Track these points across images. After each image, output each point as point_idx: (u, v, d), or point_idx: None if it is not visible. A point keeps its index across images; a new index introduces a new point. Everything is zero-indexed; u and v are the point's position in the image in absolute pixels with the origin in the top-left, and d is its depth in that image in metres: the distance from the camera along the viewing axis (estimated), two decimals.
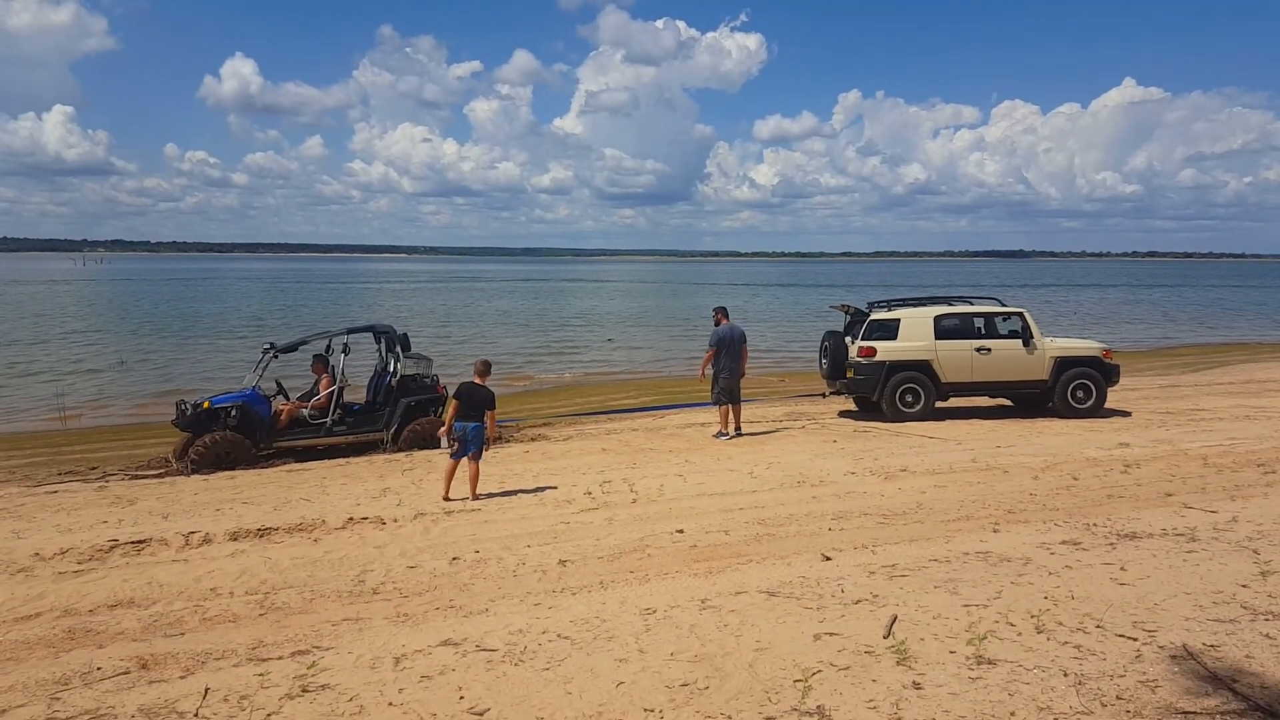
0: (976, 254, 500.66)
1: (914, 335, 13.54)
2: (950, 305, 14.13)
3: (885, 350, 13.49)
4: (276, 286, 77.54)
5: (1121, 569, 6.01)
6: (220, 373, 21.83)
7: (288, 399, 12.40)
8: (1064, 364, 13.56)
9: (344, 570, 6.66)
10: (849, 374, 13.81)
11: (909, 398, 13.50)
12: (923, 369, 13.51)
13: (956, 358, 13.51)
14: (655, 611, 5.46)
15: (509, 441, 12.27)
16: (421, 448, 11.81)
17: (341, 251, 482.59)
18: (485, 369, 9.21)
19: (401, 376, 12.32)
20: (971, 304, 14.30)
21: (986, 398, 14.44)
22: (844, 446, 11.44)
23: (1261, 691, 4.10)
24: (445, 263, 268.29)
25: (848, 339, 14.12)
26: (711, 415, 14.17)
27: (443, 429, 9.16)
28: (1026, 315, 13.76)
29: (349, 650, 5.01)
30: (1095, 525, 7.24)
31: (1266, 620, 5.01)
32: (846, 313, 14.89)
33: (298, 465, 11.23)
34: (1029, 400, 14.06)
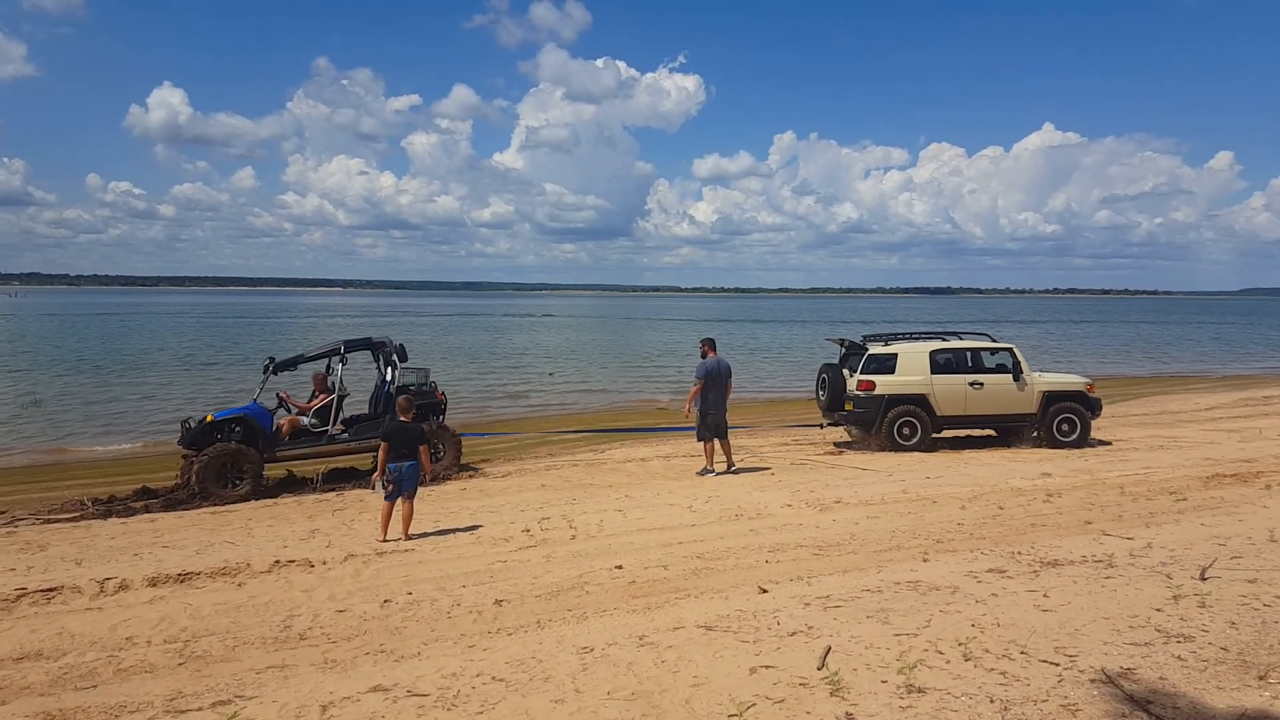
0: (907, 290, 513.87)
1: (911, 369, 13.90)
2: (944, 341, 14.56)
3: (884, 384, 13.82)
4: (206, 321, 75.49)
5: (1044, 596, 6.19)
6: (149, 409, 21.13)
7: (289, 412, 12.67)
8: (1051, 398, 14.06)
9: (269, 615, 6.47)
10: (848, 406, 14.11)
11: (906, 430, 13.80)
12: (919, 402, 13.83)
13: (951, 392, 13.89)
14: (593, 650, 5.43)
15: (445, 480, 12.11)
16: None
17: (274, 285, 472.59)
18: (410, 405, 9.10)
19: (399, 385, 12.63)
20: (962, 339, 14.72)
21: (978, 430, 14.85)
22: (781, 479, 11.57)
23: (1174, 712, 4.25)
24: (382, 296, 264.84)
25: (845, 372, 14.44)
26: (650, 450, 14.23)
27: (376, 474, 9.02)
28: (1016, 351, 14.27)
29: (273, 699, 4.86)
30: (1020, 553, 7.45)
31: (1179, 643, 5.21)
32: (842, 345, 15.25)
33: (222, 508, 10.89)
34: (1014, 432, 14.51)
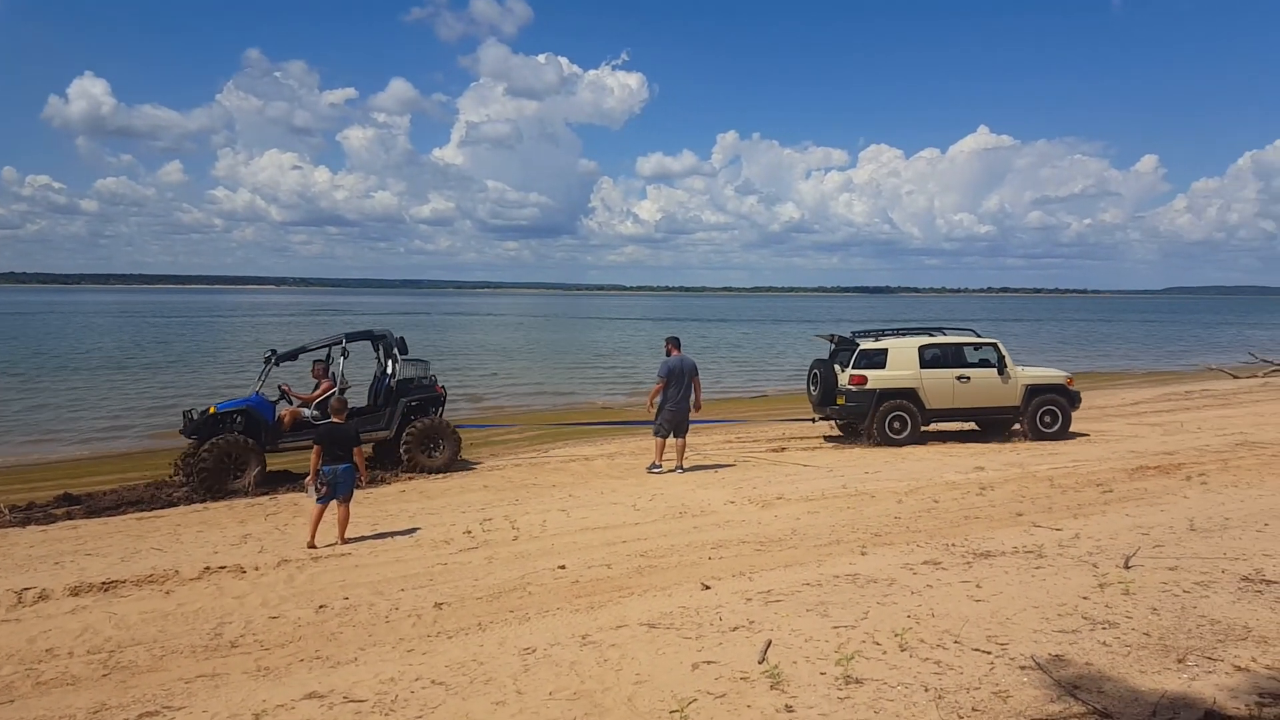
0: (847, 290, 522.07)
1: (901, 364, 14.19)
2: (932, 336, 14.84)
3: (875, 378, 14.08)
4: (131, 320, 73.02)
5: (977, 586, 6.35)
6: (72, 413, 20.38)
7: (290, 403, 12.64)
8: (1034, 391, 14.45)
9: (199, 623, 6.29)
10: (840, 401, 14.36)
11: (896, 424, 14.04)
12: (909, 396, 14.11)
13: (940, 385, 14.20)
14: (535, 651, 5.40)
15: (384, 482, 11.91)
16: (424, 450, 12.40)
17: (203, 283, 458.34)
18: (342, 406, 8.91)
19: (400, 379, 12.78)
20: (945, 334, 15.00)
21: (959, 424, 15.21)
22: (724, 477, 11.65)
23: (1099, 696, 4.39)
24: (318, 294, 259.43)
25: (836, 367, 14.69)
26: (595, 449, 14.21)
27: (309, 477, 8.83)
28: (1000, 346, 14.63)
29: (203, 709, 4.73)
30: (954, 545, 7.63)
31: (1104, 629, 5.39)
32: (831, 342, 15.52)
33: (149, 513, 10.56)
34: (997, 425, 14.83)
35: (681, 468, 12.10)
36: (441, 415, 13.09)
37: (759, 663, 5.00)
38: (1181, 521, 8.23)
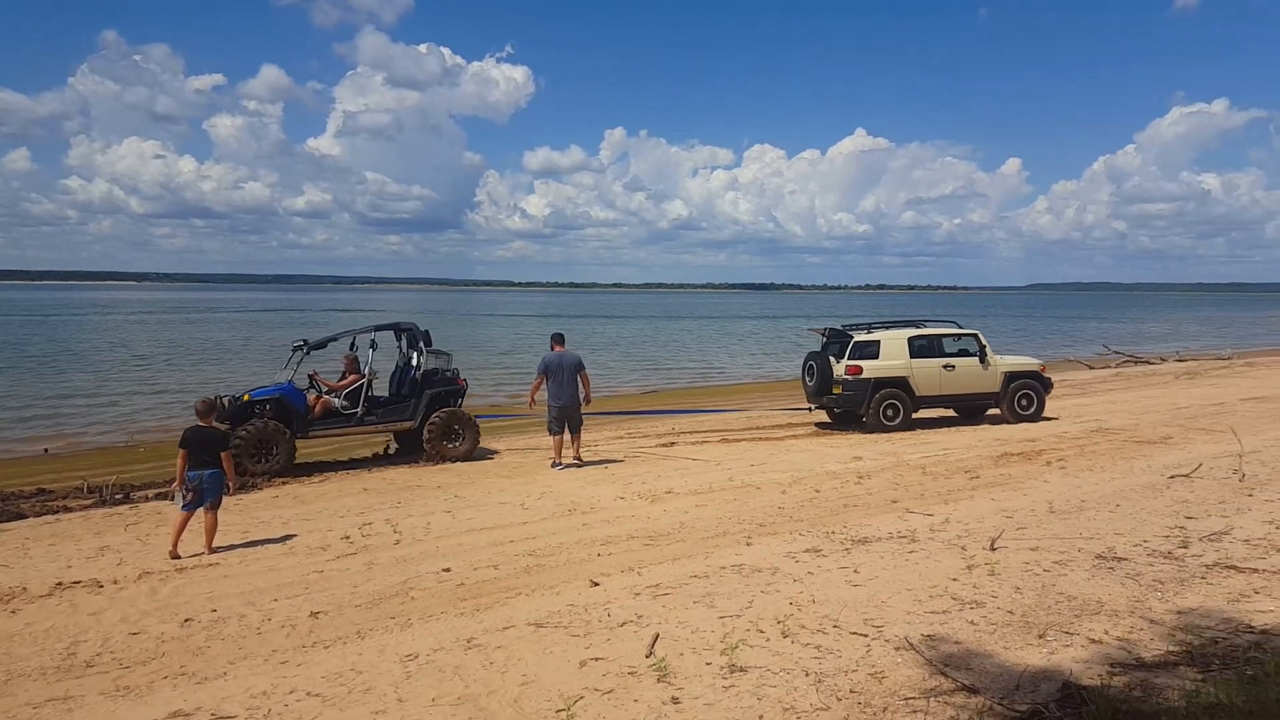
0: (734, 286, 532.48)
1: (893, 354, 14.96)
2: (919, 328, 15.64)
3: (870, 368, 14.81)
4: None
5: (855, 572, 6.56)
6: None
7: (320, 393, 12.92)
8: (1011, 377, 15.45)
9: (50, 643, 5.85)
10: (836, 390, 15.02)
11: (890, 411, 14.79)
12: (901, 384, 14.91)
13: (928, 374, 15.05)
14: (417, 657, 5.26)
15: (255, 487, 11.39)
16: (446, 439, 12.74)
17: (56, 279, 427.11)
18: (208, 409, 8.44)
19: (425, 370, 13.11)
20: (922, 327, 15.75)
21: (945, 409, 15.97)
22: (615, 473, 11.66)
23: (967, 673, 4.60)
24: (183, 290, 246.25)
25: (831, 359, 15.26)
26: (480, 447, 13.96)
27: (175, 483, 8.36)
28: (980, 336, 15.57)
29: None
30: (834, 533, 7.86)
31: (972, 609, 5.66)
32: (823, 335, 16.18)
33: None
34: (976, 410, 15.79)
35: (579, 460, 12.16)
36: (460, 406, 13.43)
37: (646, 657, 5.02)
38: (1042, 504, 8.72)
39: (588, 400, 12.34)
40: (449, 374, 13.40)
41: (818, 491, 9.87)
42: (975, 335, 15.65)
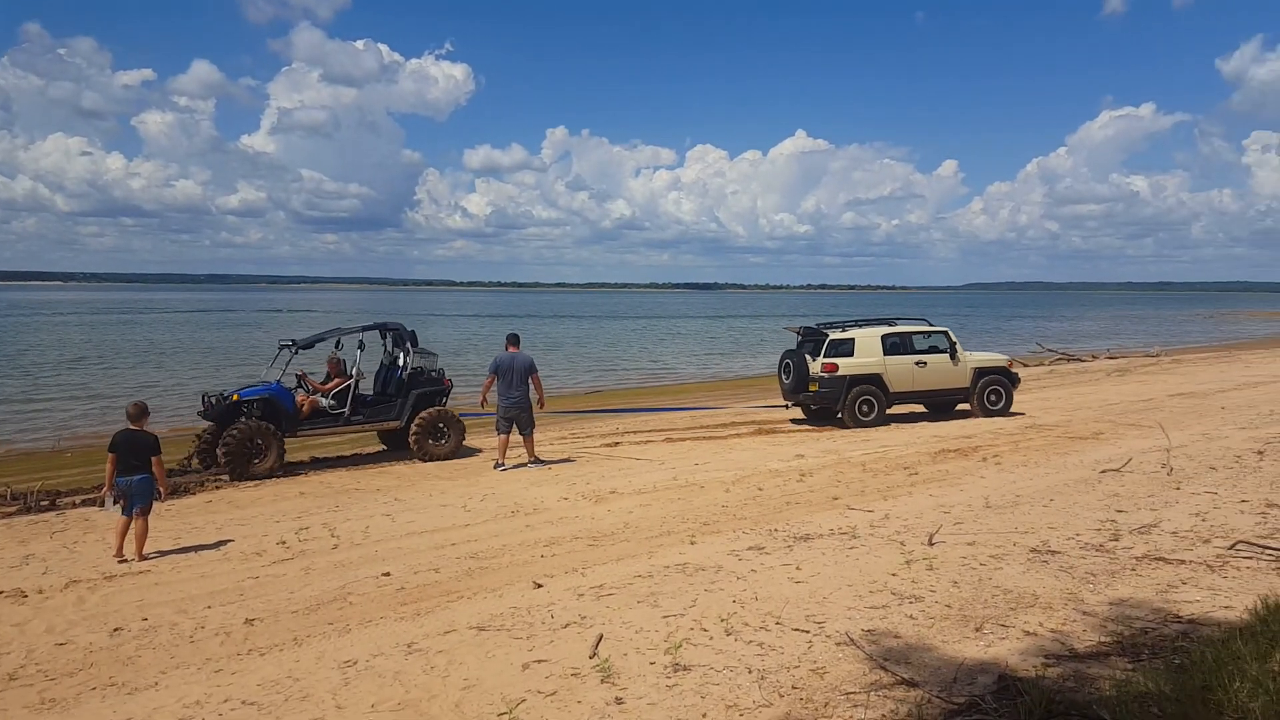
0: (678, 286, 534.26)
1: (867, 352, 15.32)
2: (892, 326, 15.95)
3: (845, 365, 15.14)
4: None
5: (797, 568, 6.63)
6: None
7: (308, 392, 12.98)
8: (981, 373, 15.87)
9: None
10: (812, 388, 15.29)
11: (864, 407, 15.14)
12: (875, 381, 15.25)
13: (901, 370, 15.44)
14: (356, 663, 5.17)
15: (188, 492, 11.07)
16: (432, 437, 12.86)
17: None
18: (140, 412, 8.17)
19: (411, 370, 13.24)
20: (894, 325, 16.08)
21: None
22: (559, 473, 11.61)
23: (906, 667, 4.68)
24: (112, 291, 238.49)
25: (807, 356, 15.51)
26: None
27: (105, 489, 8.09)
28: (950, 334, 15.94)
29: None
30: (776, 530, 7.94)
31: (911, 603, 5.76)
32: (798, 334, 16.55)
33: None
34: (946, 406, 16.14)
35: (536, 460, 12.16)
36: (445, 405, 13.52)
37: (590, 658, 5.00)
38: (979, 500, 8.92)
39: (541, 403, 12.41)
40: (435, 374, 13.54)
41: (760, 490, 9.95)
42: (945, 333, 16.08)
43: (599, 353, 42.22)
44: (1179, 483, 9.39)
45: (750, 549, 7.29)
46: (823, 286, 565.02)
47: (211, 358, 35.82)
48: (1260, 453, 10.97)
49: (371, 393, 13.76)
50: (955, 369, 15.76)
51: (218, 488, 11.33)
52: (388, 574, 7.14)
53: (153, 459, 7.98)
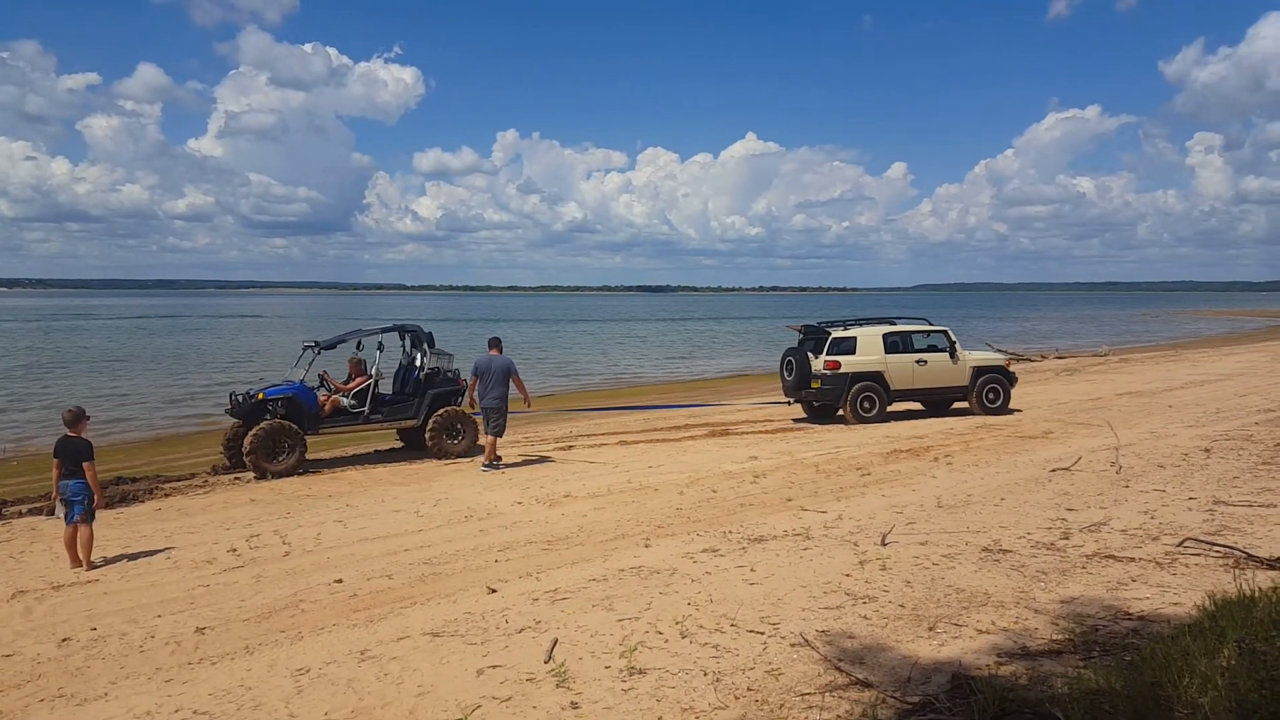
0: (630, 288, 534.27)
1: (869, 350, 15.70)
2: (893, 325, 16.31)
3: (847, 363, 15.55)
4: None
5: (752, 570, 6.69)
6: None
7: (330, 392, 13.42)
8: (979, 372, 16.23)
9: None
10: (815, 385, 15.69)
11: (866, 404, 15.52)
12: (876, 379, 15.62)
13: (902, 368, 15.80)
14: (309, 671, 5.11)
15: (136, 500, 10.83)
16: (448, 435, 13.32)
17: None
18: (75, 418, 7.98)
19: (428, 370, 13.70)
20: (895, 324, 16.42)
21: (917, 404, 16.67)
22: (512, 477, 11.56)
23: (861, 667, 4.75)
24: (57, 297, 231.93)
25: (809, 354, 15.88)
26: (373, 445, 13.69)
27: (54, 495, 7.93)
28: (949, 333, 16.31)
29: None
30: (731, 532, 7.99)
31: (865, 603, 5.84)
32: (800, 332, 16.90)
33: None
34: (943, 404, 16.50)
35: (491, 463, 12.20)
36: (460, 404, 13.77)
37: (545, 662, 5.00)
38: (931, 499, 9.07)
39: (526, 401, 13.07)
40: (450, 374, 13.97)
41: (715, 492, 10.01)
42: (945, 332, 16.44)
43: (557, 355, 42.09)
44: (1128, 481, 9.61)
45: (705, 551, 7.34)
46: (774, 289, 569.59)
47: (166, 364, 35.01)
48: (1207, 450, 11.27)
49: (390, 392, 14.15)
50: (954, 367, 16.14)
51: (166, 495, 11.10)
52: (340, 581, 7.06)
53: (84, 464, 7.79)
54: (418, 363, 13.92)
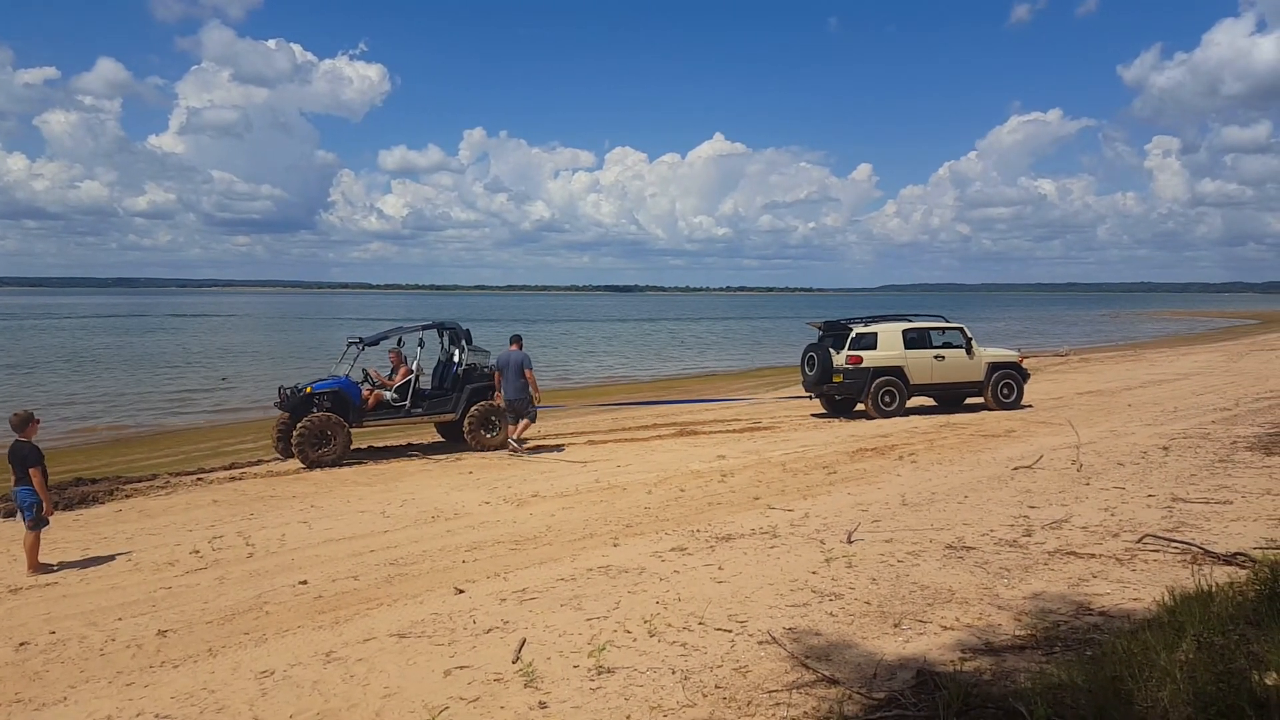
0: (598, 288, 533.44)
1: (890, 345, 16.16)
2: (911, 321, 16.83)
3: (869, 358, 15.97)
4: None
5: (719, 568, 6.72)
6: None
7: (374, 386, 13.94)
8: (994, 367, 16.73)
9: None
10: (837, 379, 16.11)
11: (887, 398, 15.96)
12: (897, 373, 16.10)
13: (921, 363, 16.28)
14: (273, 673, 5.05)
15: (96, 501, 10.61)
16: (485, 429, 13.77)
17: None
18: (22, 422, 7.75)
19: (465, 366, 14.24)
20: (913, 320, 16.94)
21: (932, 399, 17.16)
22: (480, 477, 11.51)
23: (827, 664, 4.80)
24: (14, 295, 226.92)
25: (831, 350, 16.31)
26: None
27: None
28: (965, 330, 16.79)
29: None
30: (699, 531, 8.03)
31: (831, 600, 5.89)
32: (819, 329, 17.27)
33: None
34: (957, 399, 17.01)
35: (516, 445, 13.17)
36: (494, 400, 14.01)
37: (513, 662, 4.99)
38: (895, 497, 9.17)
39: (535, 396, 13.58)
40: (487, 370, 14.24)
41: (683, 491, 10.04)
42: (961, 329, 16.83)
43: (549, 356, 41.93)
44: (1088, 479, 9.78)
45: (673, 550, 7.36)
46: (742, 289, 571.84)
47: (129, 365, 34.34)
48: (1165, 448, 11.49)
49: (429, 387, 14.57)
50: (970, 363, 16.56)
51: (127, 496, 10.90)
52: (305, 582, 6.99)
53: (30, 470, 7.60)
54: (455, 359, 14.41)
